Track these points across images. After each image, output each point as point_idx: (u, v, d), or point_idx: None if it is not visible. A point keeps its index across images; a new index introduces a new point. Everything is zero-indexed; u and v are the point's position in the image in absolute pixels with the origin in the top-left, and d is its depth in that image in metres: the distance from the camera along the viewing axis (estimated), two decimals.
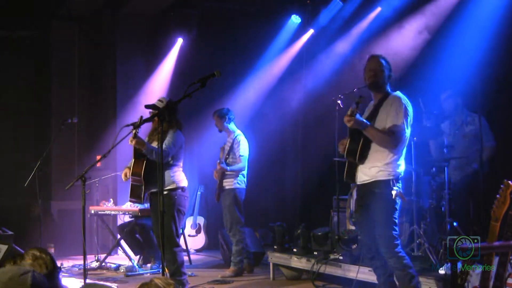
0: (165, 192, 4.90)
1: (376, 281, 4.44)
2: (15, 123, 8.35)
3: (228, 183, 6.33)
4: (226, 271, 6.30)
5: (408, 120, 4.08)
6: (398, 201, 4.06)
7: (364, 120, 4.05)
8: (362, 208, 4.24)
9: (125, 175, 5.13)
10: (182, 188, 5.17)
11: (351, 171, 4.23)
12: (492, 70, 5.51)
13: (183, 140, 5.25)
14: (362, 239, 4.43)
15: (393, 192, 4.01)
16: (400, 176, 4.13)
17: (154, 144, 5.12)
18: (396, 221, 4.09)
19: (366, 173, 4.13)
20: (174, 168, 5.16)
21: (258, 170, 7.33)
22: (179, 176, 5.19)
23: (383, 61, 4.21)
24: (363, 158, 4.11)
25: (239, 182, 6.33)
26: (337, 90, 7.02)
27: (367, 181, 4.13)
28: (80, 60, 8.90)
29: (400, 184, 4.13)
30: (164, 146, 4.92)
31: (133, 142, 4.81)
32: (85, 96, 8.89)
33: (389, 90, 4.23)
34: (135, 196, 5.09)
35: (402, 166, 4.15)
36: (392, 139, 4.03)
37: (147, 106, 5.10)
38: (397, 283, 4.19)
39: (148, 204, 6.94)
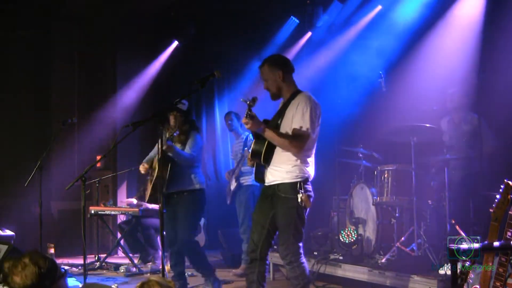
0: (186, 193, 5.11)
1: (378, 282, 4.43)
2: (15, 123, 8.35)
3: (245, 180, 6.45)
4: (237, 270, 6.33)
5: (315, 121, 3.88)
6: (304, 205, 3.83)
7: (261, 122, 3.85)
8: (262, 208, 4.02)
9: (144, 169, 5.20)
10: (203, 190, 5.26)
11: (260, 171, 4.05)
12: (492, 69, 5.52)
13: (203, 141, 5.40)
14: (251, 239, 4.04)
15: (299, 196, 3.81)
16: (309, 178, 3.94)
17: (176, 146, 5.24)
18: (301, 226, 3.87)
19: (274, 174, 3.94)
20: (196, 169, 5.24)
21: None
22: (201, 178, 5.28)
23: (270, 65, 4.00)
24: (268, 159, 3.94)
25: None
26: (336, 90, 7.08)
27: (274, 183, 3.94)
28: (80, 60, 8.90)
29: (310, 187, 3.93)
30: (190, 150, 5.11)
31: (165, 147, 4.89)
32: (85, 96, 8.90)
33: (296, 87, 4.02)
34: (153, 199, 5.18)
35: (311, 168, 3.97)
36: (294, 142, 3.83)
37: (174, 103, 5.20)
38: None
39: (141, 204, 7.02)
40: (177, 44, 8.64)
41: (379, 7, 7.19)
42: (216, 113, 8.86)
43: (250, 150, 4.04)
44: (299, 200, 3.81)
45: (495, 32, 5.72)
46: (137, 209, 6.78)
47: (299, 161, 3.88)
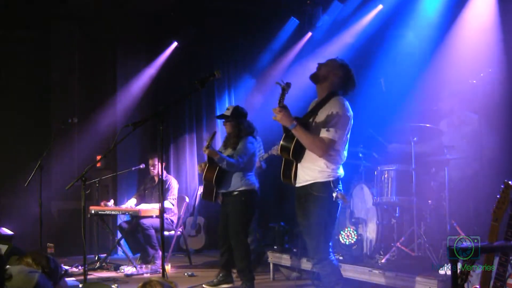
0: (235, 193, 5.30)
1: (378, 282, 4.42)
2: (15, 123, 8.35)
3: None
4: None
5: (346, 127, 3.83)
6: (339, 203, 3.80)
7: (293, 117, 3.74)
8: (299, 211, 3.97)
9: (201, 168, 5.40)
10: (252, 191, 5.36)
11: (288, 171, 3.96)
12: (492, 70, 5.52)
13: (256, 147, 5.43)
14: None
15: (334, 194, 3.77)
16: (340, 177, 3.90)
17: (228, 151, 5.37)
18: (332, 225, 3.86)
19: (306, 173, 3.87)
20: (246, 172, 5.35)
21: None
22: (250, 180, 5.37)
23: (339, 63, 3.93)
24: (298, 155, 3.86)
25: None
26: None
27: (307, 183, 3.87)
28: (80, 60, 8.90)
29: (341, 186, 3.89)
30: (236, 155, 5.24)
31: (206, 151, 5.10)
32: (85, 96, 8.90)
33: (336, 92, 3.90)
34: (207, 197, 5.46)
35: (341, 168, 3.94)
36: (320, 145, 3.76)
37: (217, 117, 5.53)
38: None
39: (136, 204, 7.03)
40: (177, 45, 8.64)
41: (380, 7, 7.18)
42: (216, 113, 8.84)
43: (279, 145, 3.95)
44: (334, 198, 3.77)
45: (503, 33, 5.73)
46: (137, 209, 6.78)
47: (331, 160, 3.83)
